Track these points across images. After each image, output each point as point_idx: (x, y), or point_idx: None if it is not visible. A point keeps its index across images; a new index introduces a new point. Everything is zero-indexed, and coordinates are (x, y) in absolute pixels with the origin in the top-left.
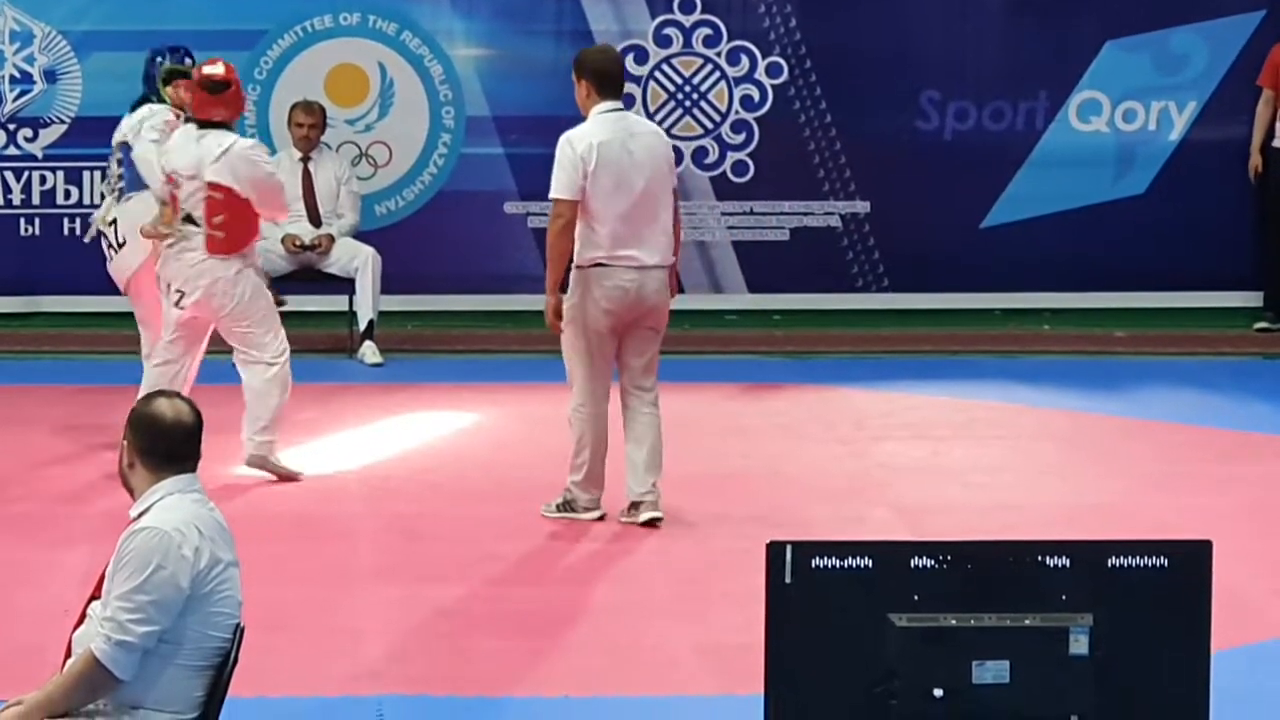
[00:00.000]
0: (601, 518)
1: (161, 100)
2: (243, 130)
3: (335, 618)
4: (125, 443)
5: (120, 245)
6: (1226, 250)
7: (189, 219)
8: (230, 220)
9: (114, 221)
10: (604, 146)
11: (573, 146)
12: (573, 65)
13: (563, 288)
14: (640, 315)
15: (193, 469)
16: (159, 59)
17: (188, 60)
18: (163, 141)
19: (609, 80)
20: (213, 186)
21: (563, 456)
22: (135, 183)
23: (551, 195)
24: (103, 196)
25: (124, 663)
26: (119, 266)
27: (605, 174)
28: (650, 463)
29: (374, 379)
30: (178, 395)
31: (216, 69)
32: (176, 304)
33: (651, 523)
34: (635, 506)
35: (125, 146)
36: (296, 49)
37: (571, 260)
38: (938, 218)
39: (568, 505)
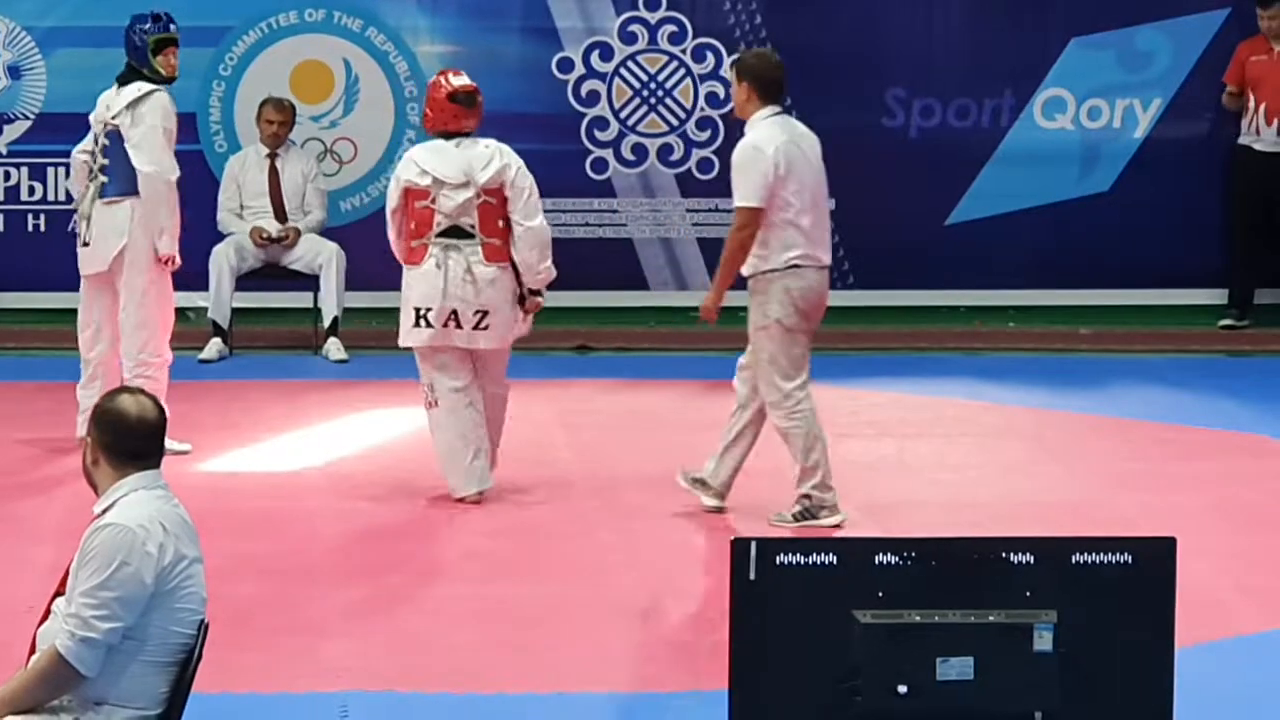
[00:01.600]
0: (840, 523)
1: (155, 71)
2: (207, 127)
3: (300, 614)
4: (89, 439)
5: (85, 244)
6: (1191, 248)
7: (455, 231)
8: (504, 227)
9: (88, 218)
10: (788, 148)
11: (762, 151)
12: (733, 68)
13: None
14: (820, 315)
15: (156, 465)
16: (142, 26)
17: (172, 26)
18: (172, 129)
19: (772, 85)
20: (488, 192)
21: (526, 449)
22: (119, 173)
23: (740, 203)
24: (87, 186)
25: (88, 659)
26: (86, 260)
27: (793, 177)
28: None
29: (339, 375)
30: (141, 392)
31: (464, 81)
32: (476, 326)
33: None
34: (702, 484)
35: (113, 132)
36: (261, 45)
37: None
38: (903, 215)
39: (808, 513)
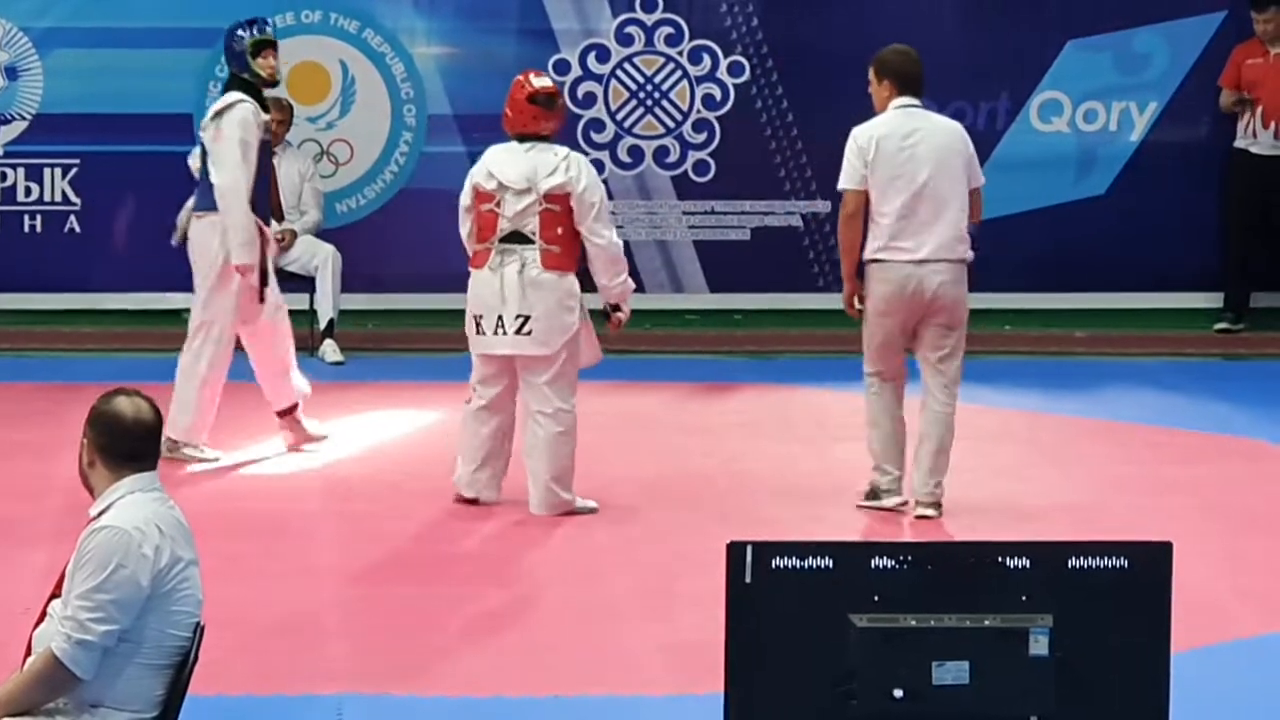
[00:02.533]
0: (904, 503)
1: (255, 75)
2: None
3: (296, 617)
4: (85, 441)
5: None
6: (1187, 251)
7: (516, 236)
8: (566, 235)
9: (185, 231)
10: (884, 140)
11: (856, 140)
12: (872, 64)
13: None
14: (927, 311)
15: (153, 467)
16: (239, 33)
17: (268, 28)
18: (250, 141)
19: (911, 80)
20: (550, 199)
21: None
22: (209, 186)
23: (839, 186)
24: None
25: (84, 662)
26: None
27: (883, 167)
28: (935, 464)
29: (335, 377)
30: (137, 393)
31: (545, 82)
32: (519, 331)
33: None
34: (887, 493)
35: (204, 143)
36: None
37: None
38: None
39: (872, 494)
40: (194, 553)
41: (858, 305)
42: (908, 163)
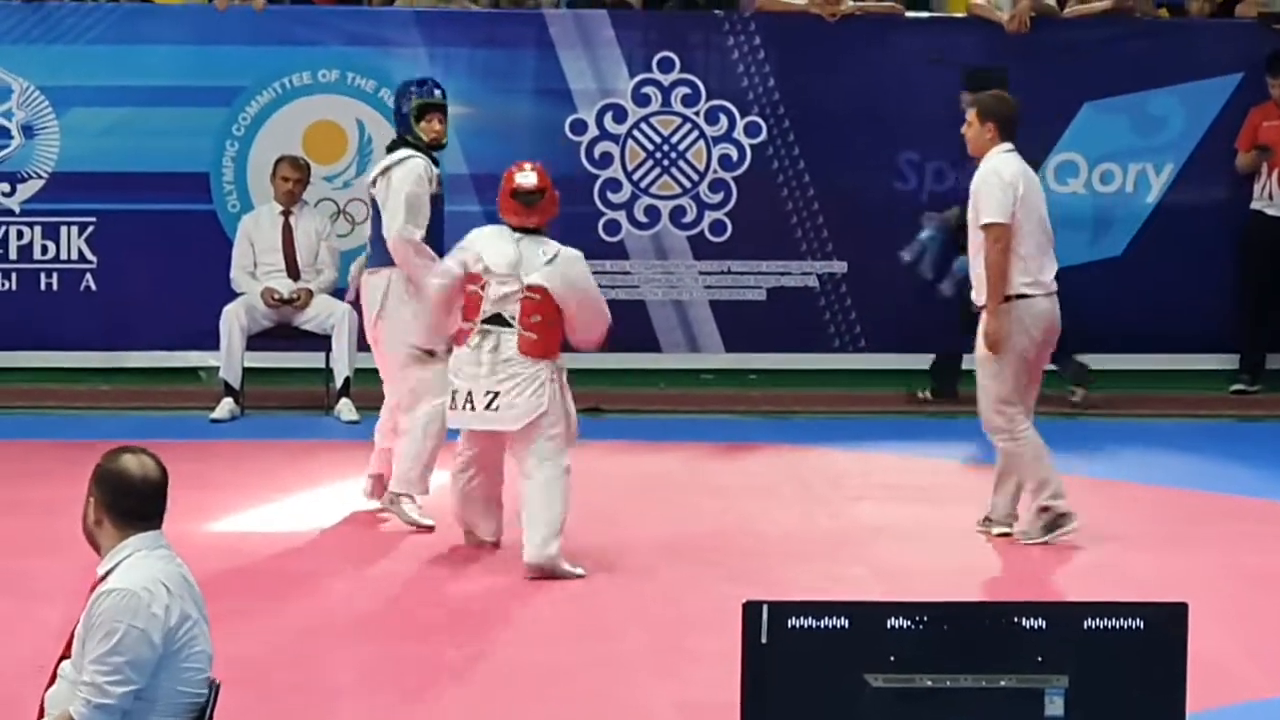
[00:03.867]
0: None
1: (417, 138)
2: (220, 186)
3: (310, 675)
4: (91, 499)
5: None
6: (1203, 313)
7: (498, 319)
8: (545, 323)
9: (358, 289)
10: (1023, 178)
11: (1001, 175)
12: (976, 107)
13: None
14: (1052, 338)
15: (158, 525)
16: (405, 93)
17: (436, 91)
18: (423, 195)
19: (1011, 124)
20: (531, 288)
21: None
22: (381, 243)
23: (989, 220)
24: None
25: None
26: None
27: (1025, 203)
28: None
29: (350, 436)
30: (144, 451)
31: (528, 179)
32: (488, 407)
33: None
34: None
35: (375, 201)
36: (275, 105)
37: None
38: (915, 279)
39: (1055, 524)
40: (202, 609)
41: (1011, 344)
42: (1037, 199)
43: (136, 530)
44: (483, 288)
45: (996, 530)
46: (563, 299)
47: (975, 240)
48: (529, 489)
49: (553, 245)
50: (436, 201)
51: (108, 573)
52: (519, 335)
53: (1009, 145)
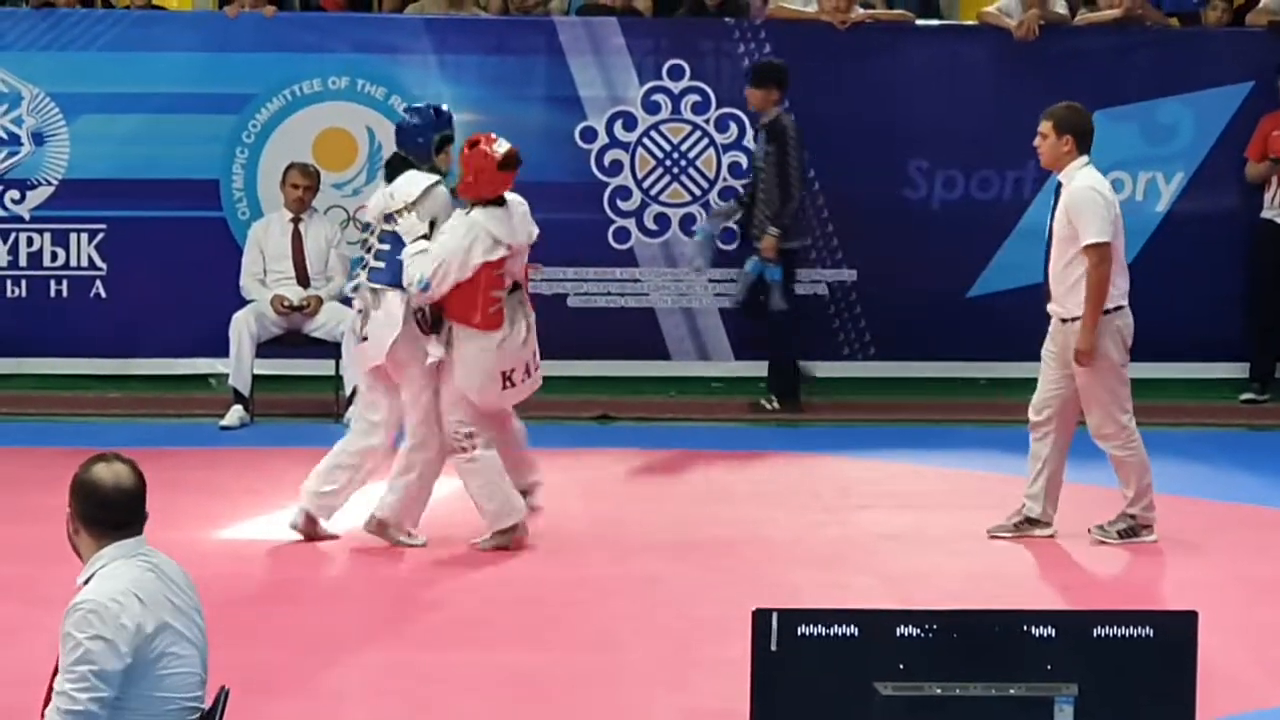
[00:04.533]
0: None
1: (435, 169)
2: (229, 193)
3: (320, 682)
4: (69, 510)
5: (363, 339)
6: (1213, 322)
7: (515, 286)
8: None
9: (364, 313)
10: (1114, 194)
11: (1103, 194)
12: (1052, 120)
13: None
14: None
15: (137, 532)
16: (430, 124)
17: (449, 126)
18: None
19: (1088, 136)
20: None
21: (545, 518)
22: (395, 265)
23: (1096, 240)
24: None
25: None
26: (361, 356)
27: (1118, 219)
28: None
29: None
30: (117, 458)
31: (505, 144)
32: (531, 372)
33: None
34: (1041, 524)
35: (389, 222)
36: (285, 113)
37: None
38: (924, 286)
39: (1132, 531)
40: (186, 618)
41: (1111, 356)
42: (1120, 216)
43: (113, 539)
44: (503, 267)
45: (1043, 533)
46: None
47: (1066, 255)
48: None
49: (514, 196)
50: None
51: (85, 582)
52: (524, 294)
53: (1087, 159)
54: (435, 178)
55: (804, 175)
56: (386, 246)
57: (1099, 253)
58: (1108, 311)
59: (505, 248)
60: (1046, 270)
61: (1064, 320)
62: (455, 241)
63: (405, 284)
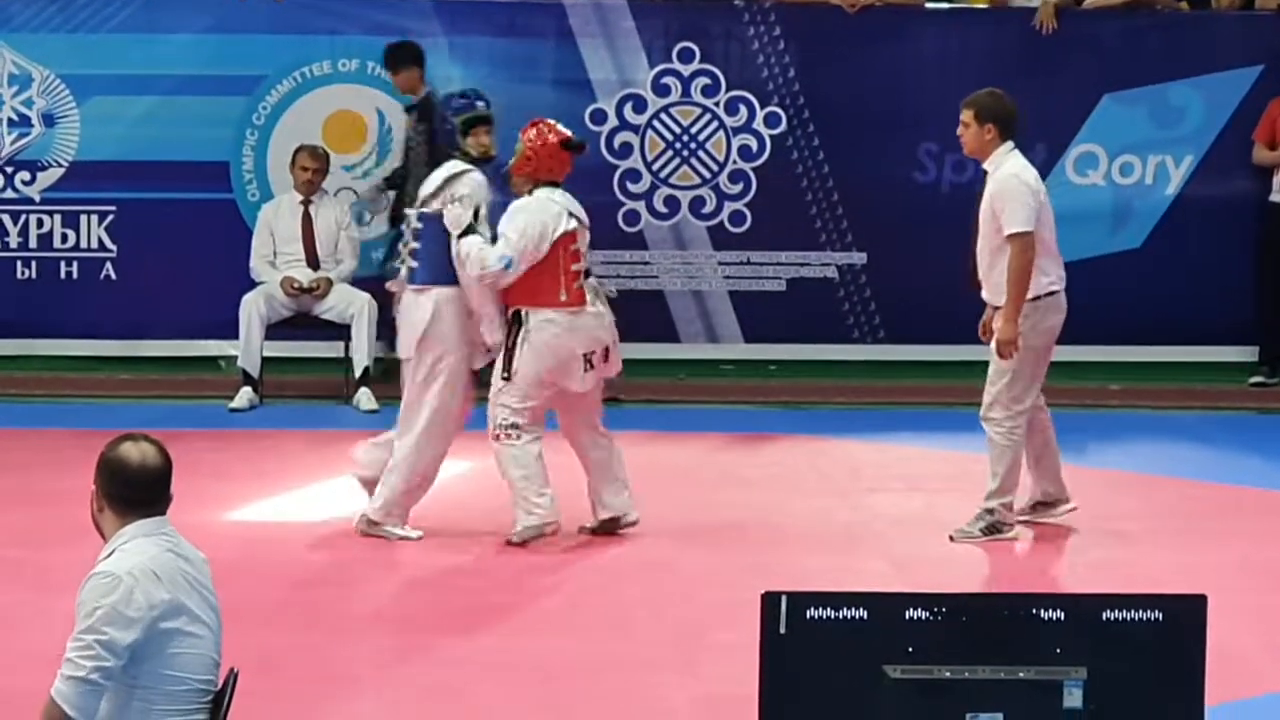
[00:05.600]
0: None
1: (465, 153)
2: (240, 175)
3: (331, 665)
4: (94, 487)
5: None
6: (1222, 305)
7: (589, 273)
8: None
9: (399, 302)
10: (1038, 179)
11: (1027, 182)
12: (970, 109)
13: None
14: (1059, 329)
15: (161, 512)
16: (448, 107)
17: (479, 103)
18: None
19: (1012, 122)
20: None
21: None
22: (430, 260)
23: (1017, 229)
24: (395, 268)
25: (73, 698)
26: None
27: (1044, 206)
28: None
29: (369, 425)
30: (145, 438)
31: (564, 129)
32: (605, 358)
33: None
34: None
35: (425, 214)
36: (295, 94)
37: None
38: (934, 270)
39: (994, 528)
40: (202, 599)
41: (1030, 341)
42: (1047, 200)
43: (137, 517)
44: (579, 244)
45: (1063, 510)
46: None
47: (993, 244)
48: (611, 448)
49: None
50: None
51: (106, 559)
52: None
53: (1012, 145)
54: (460, 166)
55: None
56: (417, 245)
57: (1022, 241)
58: (1034, 299)
59: (576, 220)
60: (974, 258)
61: (996, 308)
62: (530, 217)
63: (475, 272)
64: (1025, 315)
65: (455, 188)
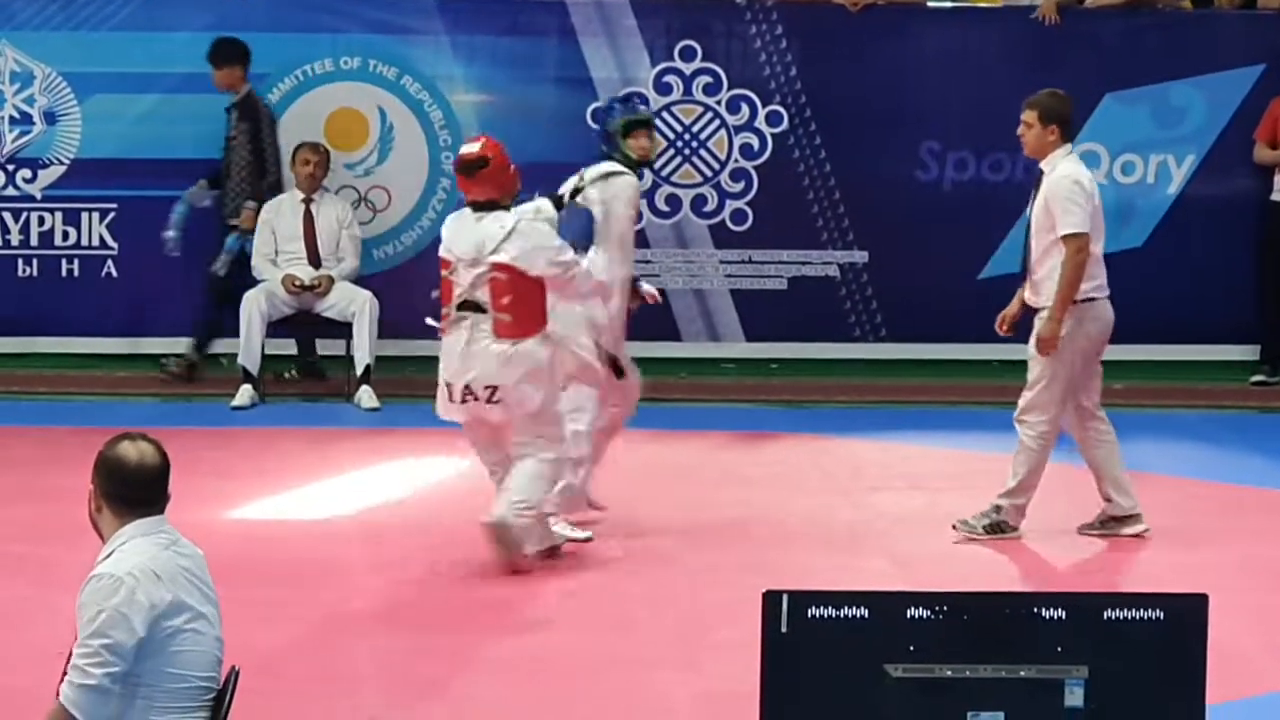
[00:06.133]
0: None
1: (625, 155)
2: None
3: (331, 664)
4: (92, 487)
5: None
6: (1224, 304)
7: (471, 305)
8: (518, 301)
9: None
10: (1093, 182)
11: (1082, 185)
12: (1032, 109)
13: None
14: (1108, 337)
15: (159, 511)
16: (611, 111)
17: (642, 107)
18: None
19: (1070, 124)
20: (497, 268)
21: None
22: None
23: (1073, 230)
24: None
25: (85, 705)
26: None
27: (1096, 210)
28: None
29: (370, 424)
30: (143, 437)
31: (469, 148)
32: (488, 400)
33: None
34: (1129, 519)
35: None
36: (297, 92)
37: None
38: (936, 268)
39: (998, 526)
40: (203, 596)
41: (1076, 344)
42: (1100, 206)
43: (135, 516)
44: (453, 274)
45: (1134, 529)
46: (530, 262)
47: (1042, 243)
48: (514, 471)
49: (511, 216)
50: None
51: (104, 560)
52: (495, 319)
53: (1070, 147)
54: (610, 167)
55: (278, 151)
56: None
57: (1077, 243)
58: (1076, 303)
59: (450, 252)
60: (1025, 261)
61: (1038, 310)
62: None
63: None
64: (1077, 314)
65: (609, 189)
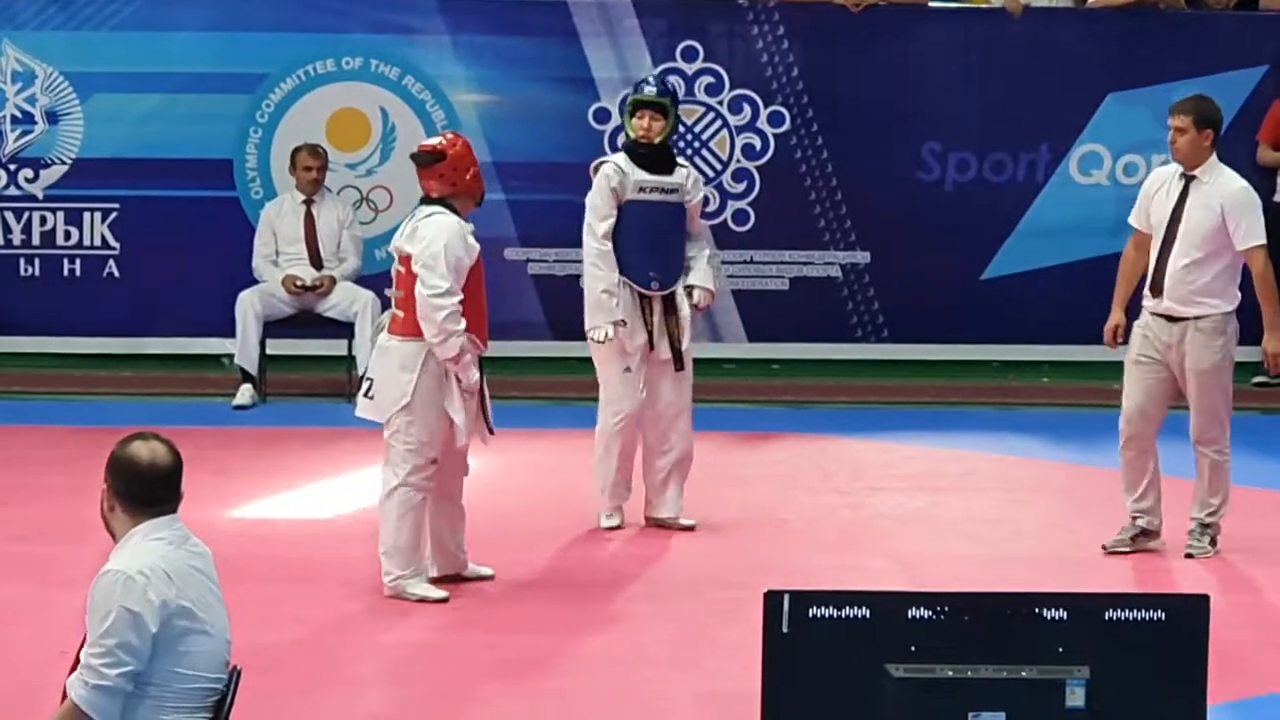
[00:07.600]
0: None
1: (627, 135)
2: (243, 173)
3: (333, 664)
4: (105, 486)
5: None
6: None
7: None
8: (408, 298)
9: None
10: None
11: (1253, 193)
12: (1189, 115)
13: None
14: None
15: (172, 510)
16: (636, 90)
17: (648, 89)
18: (595, 204)
19: (1221, 130)
20: (401, 260)
21: (555, 499)
22: None
23: (1259, 242)
24: None
25: (101, 706)
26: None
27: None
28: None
29: (372, 424)
30: (155, 437)
31: (431, 140)
32: (364, 394)
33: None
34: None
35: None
36: (298, 93)
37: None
38: (938, 269)
39: (1215, 540)
40: (214, 596)
41: (1232, 356)
42: None
43: (148, 516)
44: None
45: (1158, 544)
46: (419, 264)
47: (1200, 252)
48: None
49: (429, 208)
50: (639, 209)
51: (116, 557)
52: (392, 316)
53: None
54: (607, 157)
55: None
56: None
57: (1264, 252)
58: (1227, 313)
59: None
60: (1161, 267)
61: (1173, 320)
62: None
63: None
64: (1226, 328)
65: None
